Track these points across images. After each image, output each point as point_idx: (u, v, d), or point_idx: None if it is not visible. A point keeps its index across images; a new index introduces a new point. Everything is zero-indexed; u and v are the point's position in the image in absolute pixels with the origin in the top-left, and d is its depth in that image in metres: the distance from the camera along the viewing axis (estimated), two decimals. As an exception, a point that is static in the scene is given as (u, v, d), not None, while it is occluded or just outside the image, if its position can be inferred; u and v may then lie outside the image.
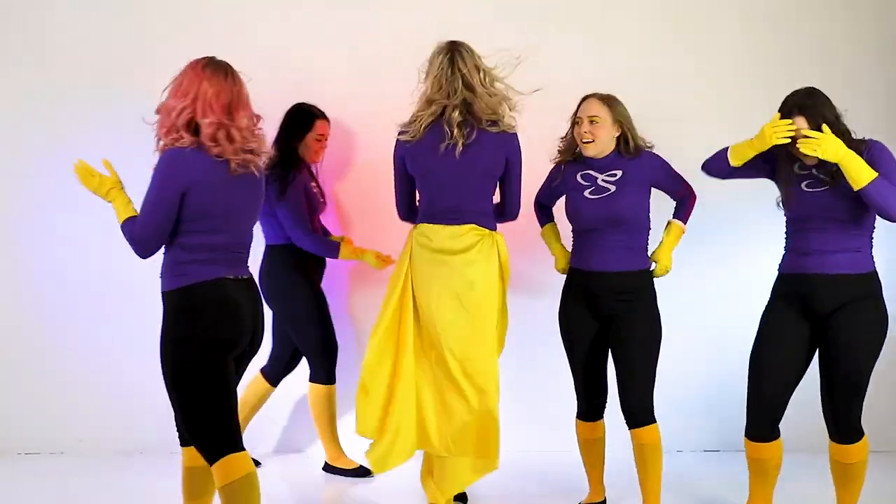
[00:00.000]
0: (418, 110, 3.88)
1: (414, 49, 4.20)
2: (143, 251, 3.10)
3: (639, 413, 3.86)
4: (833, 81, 4.86)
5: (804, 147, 3.40)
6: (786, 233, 3.73)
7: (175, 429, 3.30)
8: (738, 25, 5.10)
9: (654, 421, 3.89)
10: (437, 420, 3.88)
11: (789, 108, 3.51)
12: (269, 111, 4.93)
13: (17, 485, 4.68)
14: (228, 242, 3.14)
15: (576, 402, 4.10)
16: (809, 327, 3.60)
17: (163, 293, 3.12)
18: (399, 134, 3.89)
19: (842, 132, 3.49)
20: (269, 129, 4.96)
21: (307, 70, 5.07)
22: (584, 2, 5.13)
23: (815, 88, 3.56)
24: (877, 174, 3.34)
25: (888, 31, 5.10)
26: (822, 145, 3.36)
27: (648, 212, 3.95)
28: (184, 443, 3.32)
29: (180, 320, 3.05)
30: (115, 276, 5.04)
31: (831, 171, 3.49)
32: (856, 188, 3.35)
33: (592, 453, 4.12)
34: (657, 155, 3.95)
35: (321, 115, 4.60)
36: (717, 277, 5.12)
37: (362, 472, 4.64)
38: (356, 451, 4.78)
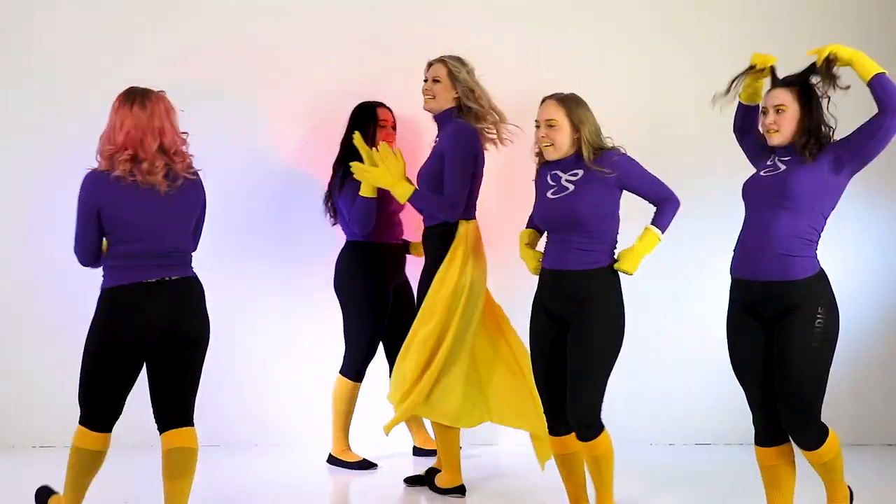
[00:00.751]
0: (481, 115, 4.34)
1: (414, 52, 4.39)
2: (80, 260, 3.65)
3: (586, 425, 3.67)
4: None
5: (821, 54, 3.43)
6: None
7: (153, 421, 3.74)
8: (738, 27, 5.21)
9: (603, 428, 3.71)
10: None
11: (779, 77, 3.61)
12: (271, 115, 5.17)
13: (32, 477, 4.67)
14: (150, 249, 3.56)
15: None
16: (762, 328, 3.54)
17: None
18: (480, 133, 4.30)
19: (818, 127, 3.47)
20: (277, 130, 5.19)
21: (308, 72, 5.19)
22: (580, 3, 5.24)
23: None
24: (883, 70, 3.35)
25: (872, 34, 5.18)
26: (830, 48, 3.39)
27: (614, 215, 3.76)
28: (161, 429, 3.77)
29: (98, 315, 3.60)
30: None
31: (799, 147, 3.45)
32: (865, 80, 3.36)
33: (566, 468, 3.90)
34: (625, 155, 3.76)
35: (380, 104, 4.71)
36: (709, 271, 5.11)
37: (365, 465, 4.78)
38: (362, 445, 4.94)
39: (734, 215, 5.00)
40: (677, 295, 5.21)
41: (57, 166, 5.10)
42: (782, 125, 3.47)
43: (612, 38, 5.20)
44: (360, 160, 4.37)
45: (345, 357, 4.75)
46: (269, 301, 5.26)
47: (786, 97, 3.48)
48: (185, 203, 3.62)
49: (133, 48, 5.14)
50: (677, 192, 3.89)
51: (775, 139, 3.52)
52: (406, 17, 5.19)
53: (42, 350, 5.25)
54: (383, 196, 4.52)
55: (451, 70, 4.29)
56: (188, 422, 3.76)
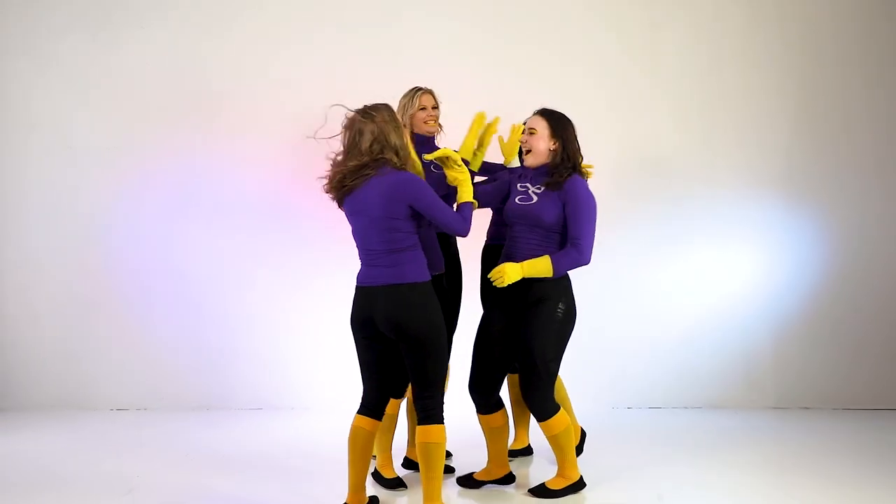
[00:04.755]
0: None
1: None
2: None
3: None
4: (760, 113, 5.88)
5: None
6: None
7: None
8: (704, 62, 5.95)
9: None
10: None
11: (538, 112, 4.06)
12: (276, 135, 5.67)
13: (110, 436, 5.25)
14: None
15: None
16: None
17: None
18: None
19: (569, 156, 3.99)
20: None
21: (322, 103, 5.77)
22: (546, 60, 5.88)
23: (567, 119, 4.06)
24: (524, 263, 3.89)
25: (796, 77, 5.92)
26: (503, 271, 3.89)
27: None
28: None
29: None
30: (184, 262, 5.90)
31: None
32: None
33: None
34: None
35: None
36: (700, 259, 5.88)
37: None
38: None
39: (712, 214, 5.88)
40: (641, 284, 5.85)
41: (131, 179, 5.89)
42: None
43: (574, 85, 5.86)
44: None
45: None
46: (304, 282, 5.84)
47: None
48: None
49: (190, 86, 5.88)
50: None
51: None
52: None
53: (118, 328, 5.89)
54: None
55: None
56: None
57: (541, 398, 3.98)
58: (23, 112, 5.96)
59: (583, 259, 3.95)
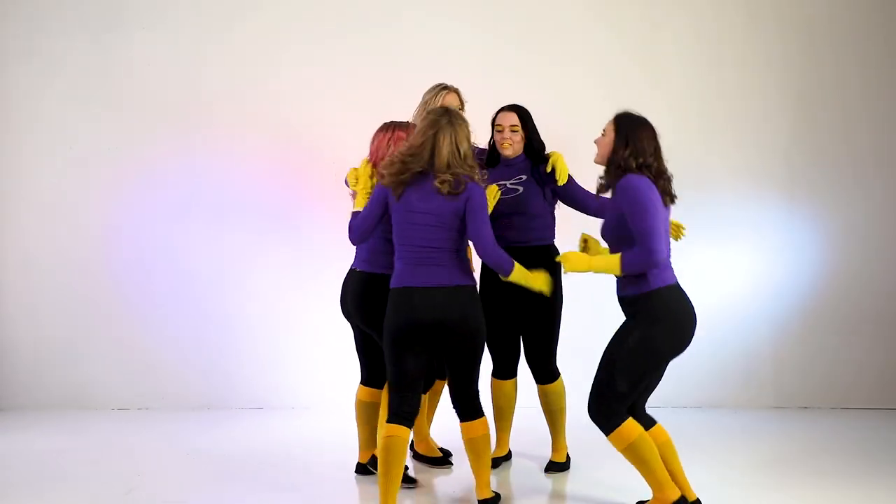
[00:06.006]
0: None
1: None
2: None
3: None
4: (756, 114, 5.92)
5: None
6: None
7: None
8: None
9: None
10: None
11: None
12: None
13: (110, 436, 5.30)
14: None
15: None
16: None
17: None
18: None
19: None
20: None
21: (324, 109, 5.90)
22: (545, 60, 5.92)
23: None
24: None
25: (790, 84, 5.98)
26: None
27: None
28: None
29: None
30: (185, 262, 5.96)
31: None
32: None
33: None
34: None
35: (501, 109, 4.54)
36: (700, 259, 5.86)
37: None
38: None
39: (709, 214, 5.90)
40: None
41: (131, 180, 5.94)
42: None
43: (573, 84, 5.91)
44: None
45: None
46: (304, 282, 5.88)
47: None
48: None
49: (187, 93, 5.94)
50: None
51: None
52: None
53: (118, 325, 5.93)
54: None
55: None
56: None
57: (598, 409, 3.69)
58: (24, 113, 6.01)
59: (651, 258, 3.59)
